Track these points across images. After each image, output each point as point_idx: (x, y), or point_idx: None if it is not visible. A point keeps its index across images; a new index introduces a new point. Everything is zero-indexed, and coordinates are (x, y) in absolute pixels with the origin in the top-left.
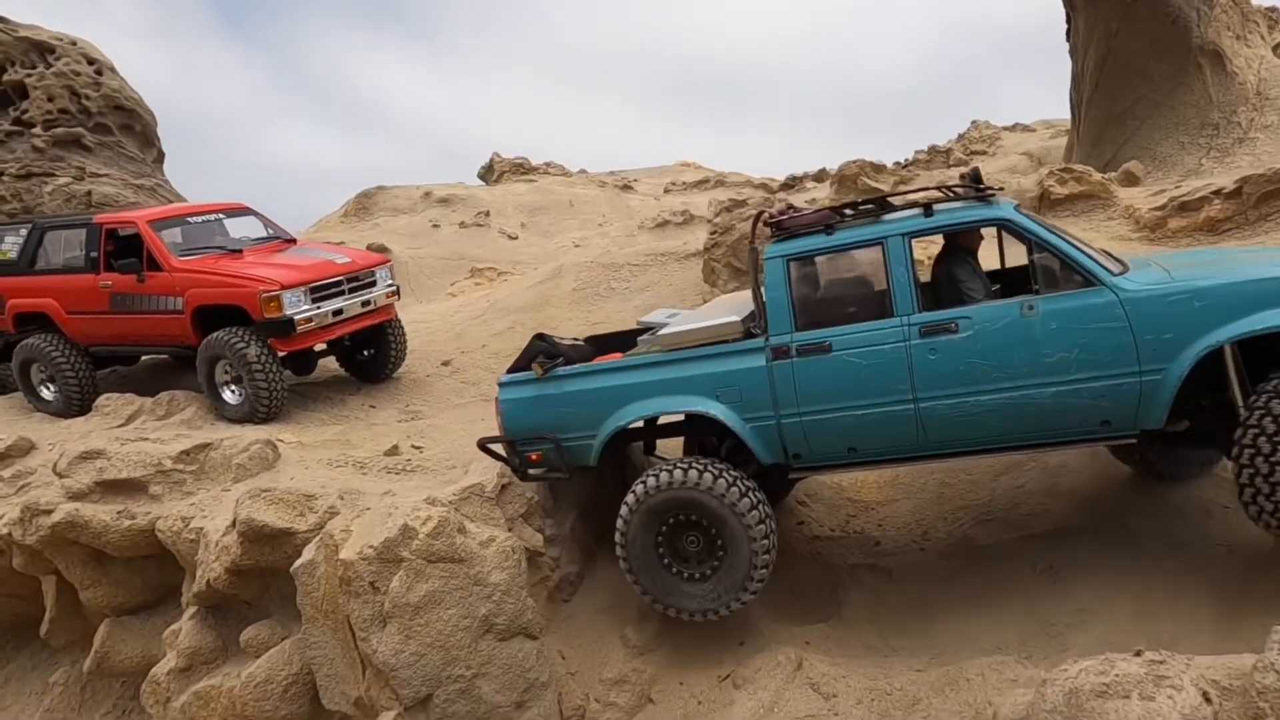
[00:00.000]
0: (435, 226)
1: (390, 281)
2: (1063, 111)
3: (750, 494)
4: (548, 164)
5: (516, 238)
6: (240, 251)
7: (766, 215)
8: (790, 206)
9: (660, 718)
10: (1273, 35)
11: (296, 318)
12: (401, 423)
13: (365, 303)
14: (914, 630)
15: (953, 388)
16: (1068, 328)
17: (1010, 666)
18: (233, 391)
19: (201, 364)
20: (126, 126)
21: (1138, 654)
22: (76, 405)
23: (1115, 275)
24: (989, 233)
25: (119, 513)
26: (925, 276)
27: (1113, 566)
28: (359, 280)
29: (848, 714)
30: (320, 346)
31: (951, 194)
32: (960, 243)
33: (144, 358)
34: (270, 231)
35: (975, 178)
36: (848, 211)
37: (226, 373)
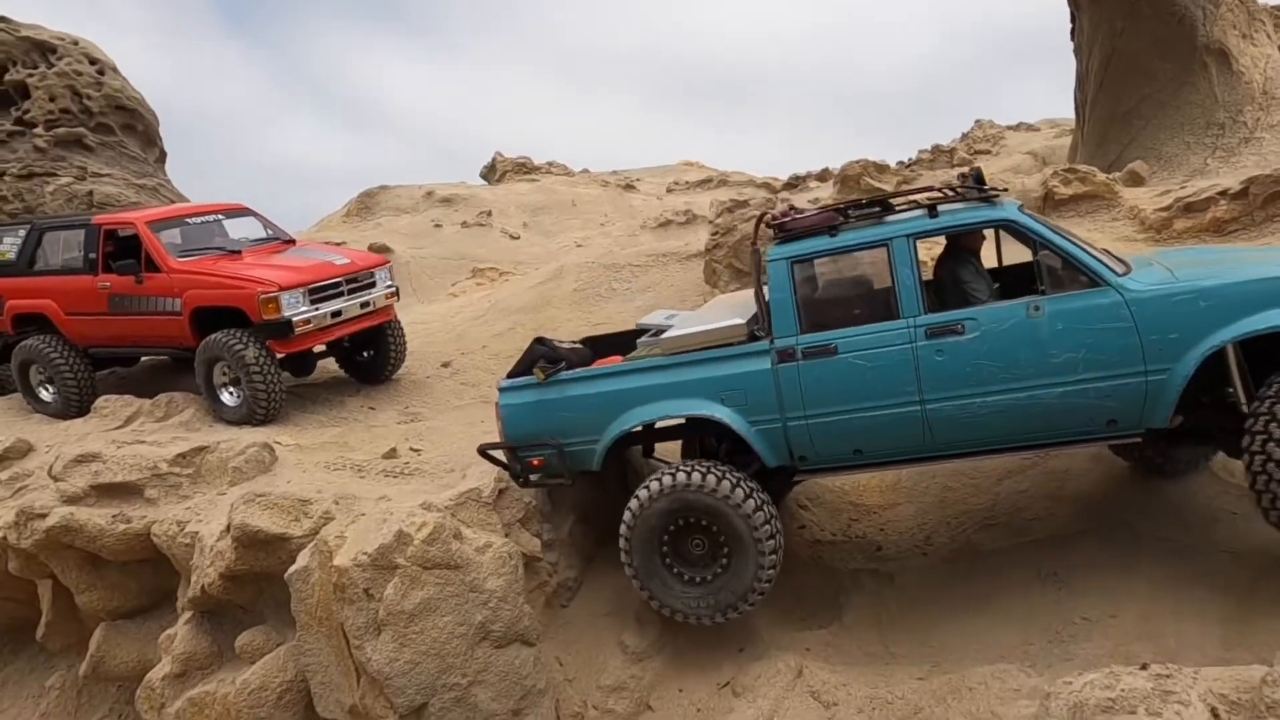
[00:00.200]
0: (437, 226)
1: (389, 283)
2: (1067, 111)
3: (756, 497)
4: (550, 163)
5: (519, 237)
6: (239, 252)
7: (769, 217)
8: (792, 207)
9: None
10: (1279, 34)
11: (295, 319)
12: (400, 425)
13: (364, 304)
14: (916, 637)
15: (959, 389)
16: (1074, 328)
17: (1014, 675)
18: (231, 393)
19: (199, 366)
20: (128, 126)
21: (1144, 667)
22: (75, 407)
23: (1120, 276)
24: (989, 231)
25: (114, 516)
26: (927, 275)
27: (1118, 572)
28: (358, 281)
29: None
30: (319, 348)
31: (955, 194)
32: (963, 243)
33: (143, 359)
34: (269, 232)
35: (978, 178)
36: (850, 212)
37: (225, 374)
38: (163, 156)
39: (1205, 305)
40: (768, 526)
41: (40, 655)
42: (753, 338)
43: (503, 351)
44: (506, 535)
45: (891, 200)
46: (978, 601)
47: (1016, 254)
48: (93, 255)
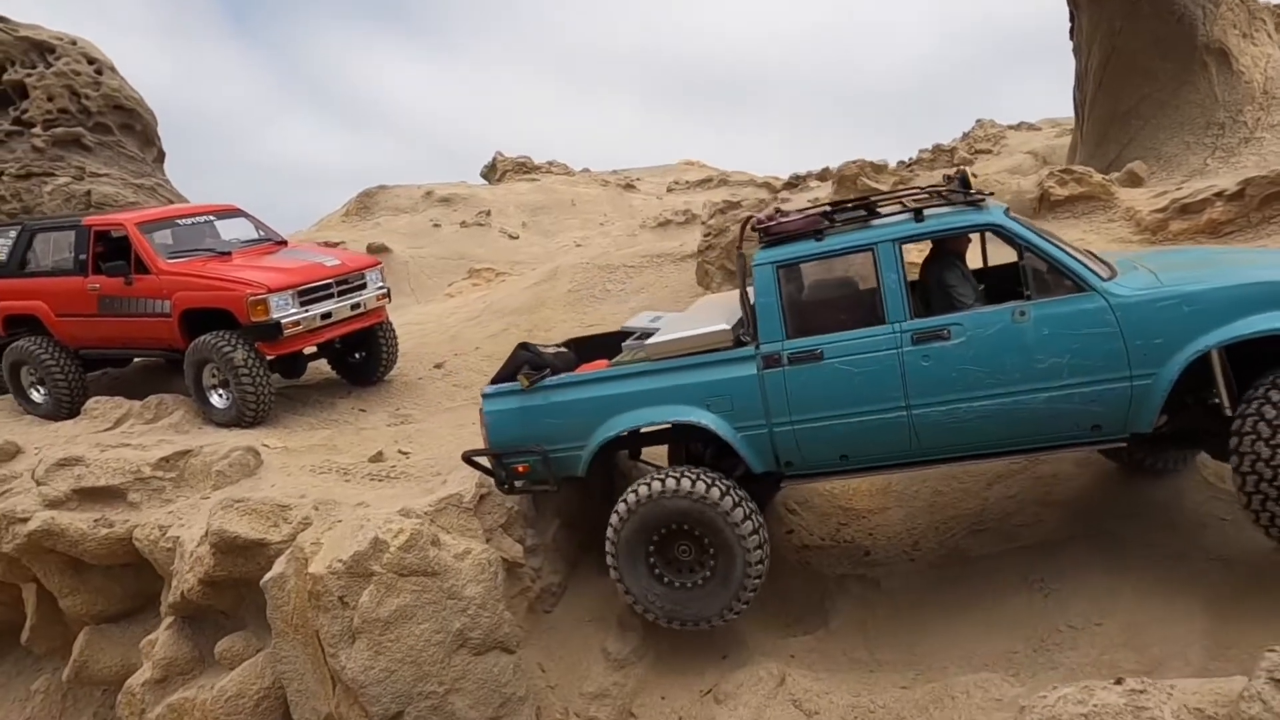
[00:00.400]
0: (436, 226)
1: (381, 284)
2: (1069, 110)
3: (744, 503)
4: (550, 163)
5: (517, 237)
6: (229, 254)
7: (754, 220)
8: (778, 210)
9: None
10: None
11: (284, 321)
12: (390, 427)
13: (355, 305)
14: (901, 643)
15: (945, 394)
16: (1059, 333)
17: (996, 685)
18: (220, 395)
19: (189, 367)
20: (126, 126)
21: (1118, 682)
22: (66, 408)
23: (1105, 280)
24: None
25: (96, 521)
26: (913, 275)
27: (1105, 579)
28: (348, 283)
29: None
30: (310, 349)
31: (940, 197)
32: (949, 246)
33: (136, 360)
34: (261, 233)
35: (964, 181)
36: (836, 216)
37: (214, 376)
38: (161, 156)
39: (1189, 310)
40: (755, 534)
41: (26, 659)
42: (738, 343)
43: (496, 353)
44: (488, 541)
45: (875, 201)
46: (964, 608)
47: (1003, 255)
48: (83, 256)
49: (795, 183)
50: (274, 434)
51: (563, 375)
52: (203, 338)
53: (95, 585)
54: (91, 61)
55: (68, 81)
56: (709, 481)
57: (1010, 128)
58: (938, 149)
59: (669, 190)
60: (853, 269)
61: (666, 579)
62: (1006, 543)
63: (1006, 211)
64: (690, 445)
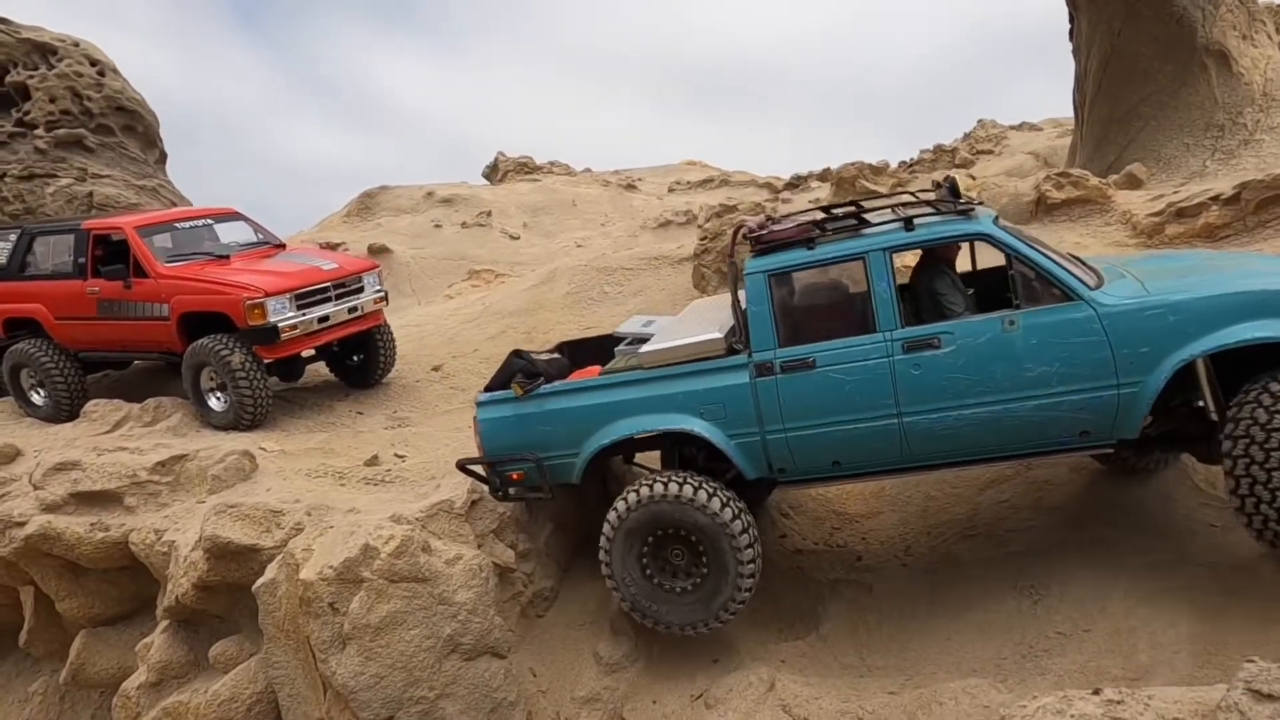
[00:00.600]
0: (437, 227)
1: (378, 287)
2: (1070, 110)
3: (734, 507)
4: (552, 163)
5: (518, 238)
6: (228, 257)
7: (745, 229)
8: (769, 218)
9: None
10: None
11: (281, 325)
12: (388, 430)
13: (352, 309)
14: (892, 649)
15: (936, 402)
16: (1048, 342)
17: (984, 691)
18: (218, 399)
19: (187, 371)
20: (128, 127)
21: (1096, 692)
22: (66, 410)
23: (1092, 289)
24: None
25: (92, 525)
26: (903, 278)
27: (1094, 586)
28: (346, 286)
29: None
30: (308, 352)
31: (929, 206)
32: (939, 254)
33: (135, 362)
34: (260, 237)
35: (952, 189)
36: (827, 225)
37: (211, 380)
38: (163, 158)
39: (1175, 320)
40: (746, 537)
41: (25, 661)
42: (731, 351)
43: (494, 355)
44: (480, 546)
45: (864, 205)
46: (954, 613)
47: (992, 258)
48: (82, 260)
49: (796, 183)
50: (271, 437)
51: (556, 383)
52: (200, 341)
53: (92, 589)
54: (94, 63)
55: (70, 83)
56: (698, 486)
57: (1012, 128)
58: (939, 149)
59: (670, 190)
60: (844, 278)
61: (660, 582)
62: (998, 548)
63: (995, 220)
64: (684, 449)
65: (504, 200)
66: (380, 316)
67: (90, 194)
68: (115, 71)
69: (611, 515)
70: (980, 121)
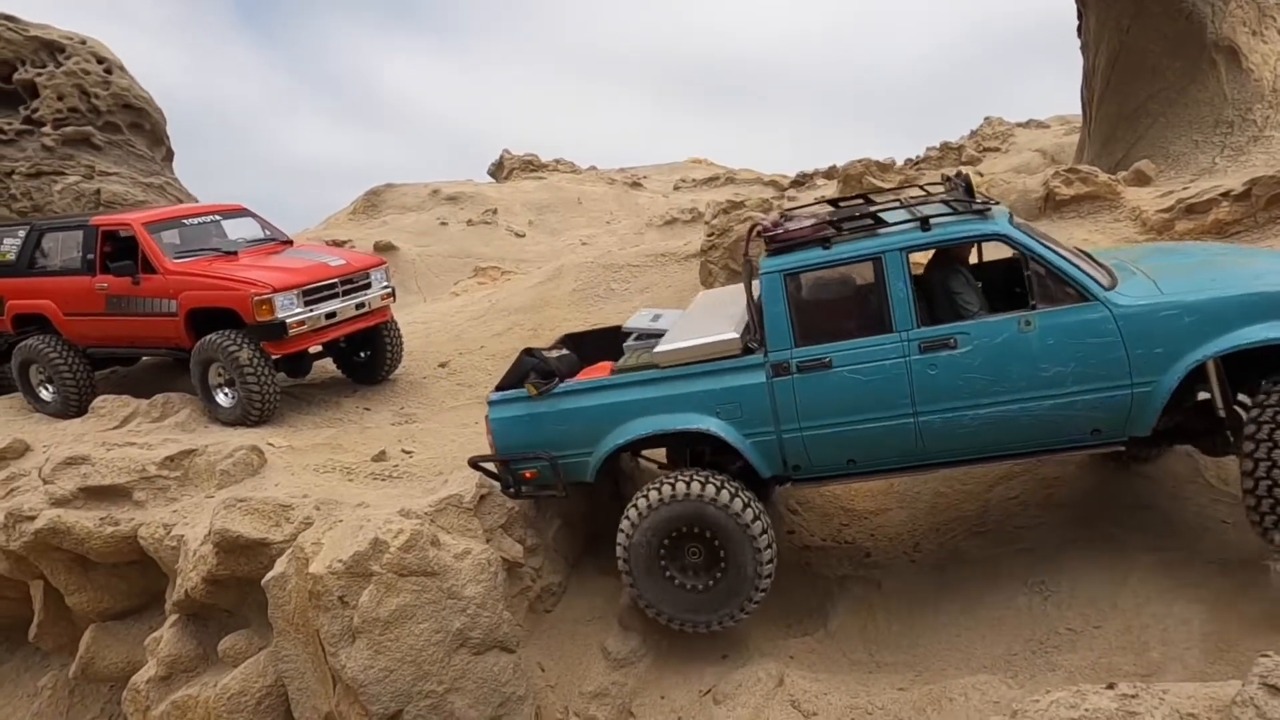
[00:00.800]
0: (443, 224)
1: (386, 283)
2: (1077, 107)
3: (755, 507)
4: (557, 161)
5: (524, 235)
6: (235, 253)
7: (760, 227)
8: (783, 215)
9: None
10: None
11: (289, 321)
12: (395, 426)
13: (359, 305)
14: (901, 645)
15: (951, 401)
16: (1063, 343)
17: (994, 687)
18: (226, 394)
19: (195, 367)
20: (135, 125)
21: (1110, 686)
22: (74, 406)
23: (1107, 290)
24: None
25: (102, 519)
26: (916, 270)
27: (1105, 582)
28: (353, 283)
29: None
30: (315, 348)
31: (945, 205)
32: (953, 252)
33: (143, 359)
34: (267, 233)
35: (967, 188)
36: (843, 226)
37: (219, 375)
38: (170, 155)
39: (1190, 321)
40: (765, 537)
41: (34, 655)
42: (746, 350)
43: (500, 352)
44: (488, 541)
45: (876, 205)
46: (964, 610)
47: (997, 250)
48: (91, 256)
49: (802, 181)
50: (279, 433)
51: (571, 383)
52: (208, 337)
53: (101, 583)
54: (101, 60)
55: (77, 81)
56: (722, 486)
57: (1019, 125)
58: (945, 147)
59: (675, 188)
60: (860, 277)
61: (678, 581)
62: (1007, 545)
63: (1011, 219)
64: (695, 447)
65: (509, 198)
66: (387, 313)
67: (98, 191)
68: (122, 69)
69: (631, 513)
70: (987, 119)
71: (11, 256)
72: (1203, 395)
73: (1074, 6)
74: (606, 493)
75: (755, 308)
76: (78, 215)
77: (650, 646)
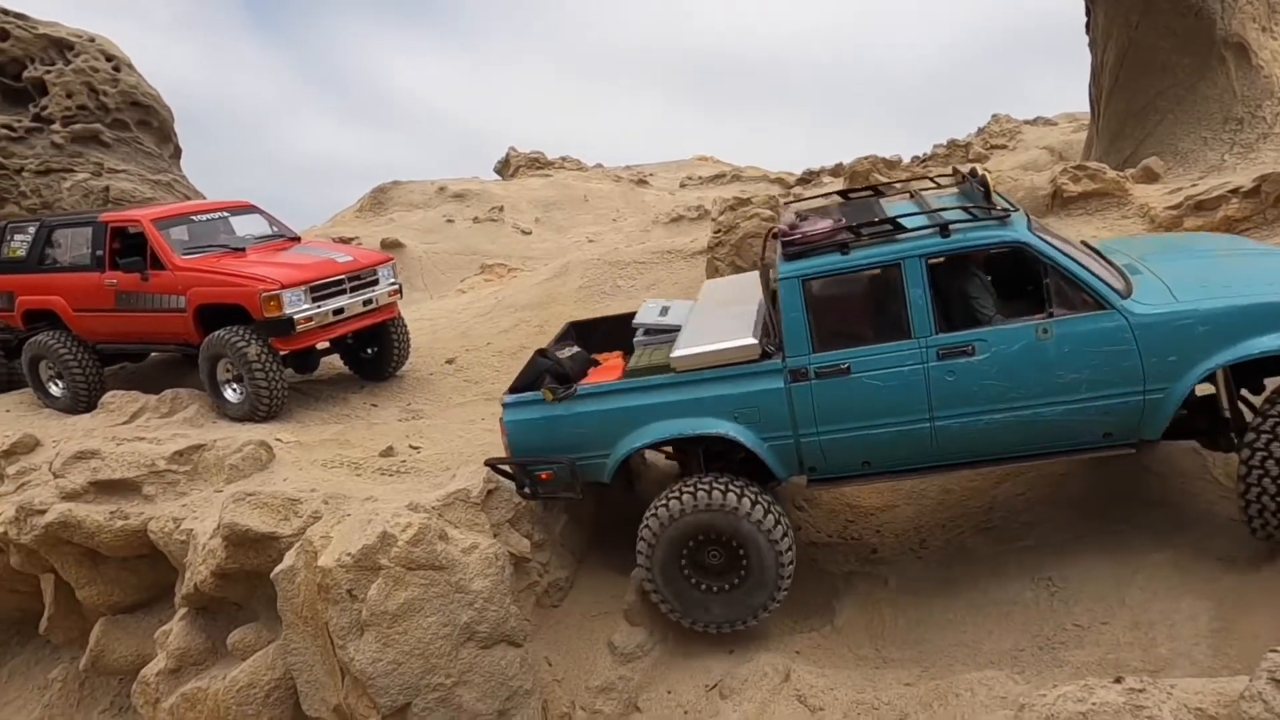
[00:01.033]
0: (449, 221)
1: (393, 280)
2: (1085, 104)
3: (775, 513)
4: (564, 158)
5: (530, 233)
6: (243, 250)
7: (777, 230)
8: (798, 216)
9: None
10: None
11: (296, 317)
12: (402, 422)
13: (367, 301)
14: (907, 641)
15: (968, 406)
16: (1080, 350)
17: (1001, 683)
18: (234, 390)
19: (203, 362)
20: (144, 122)
21: (1118, 681)
22: (83, 402)
23: (1124, 298)
24: None
25: (112, 513)
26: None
27: (1112, 578)
28: (360, 279)
29: None
30: (323, 345)
31: (965, 211)
32: (969, 256)
33: (152, 354)
34: (274, 229)
35: (986, 192)
36: (861, 231)
37: (228, 371)
38: (177, 152)
39: (1204, 330)
40: (786, 541)
41: (45, 648)
42: (765, 355)
43: (507, 349)
44: (495, 536)
45: (881, 190)
46: (971, 606)
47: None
48: (100, 252)
49: (808, 178)
50: (287, 428)
51: (587, 386)
52: (217, 333)
53: (111, 576)
54: (109, 58)
55: (86, 78)
56: (745, 494)
57: (1026, 122)
58: (953, 144)
59: (682, 186)
60: (878, 283)
61: (700, 583)
62: (1014, 541)
63: (1030, 226)
64: (708, 446)
65: (516, 195)
66: (394, 309)
67: (106, 189)
68: (130, 67)
69: (653, 522)
70: (994, 116)
71: (22, 253)
72: (1205, 391)
73: (1082, 3)
74: (620, 489)
75: (772, 313)
76: (87, 212)
77: (657, 641)
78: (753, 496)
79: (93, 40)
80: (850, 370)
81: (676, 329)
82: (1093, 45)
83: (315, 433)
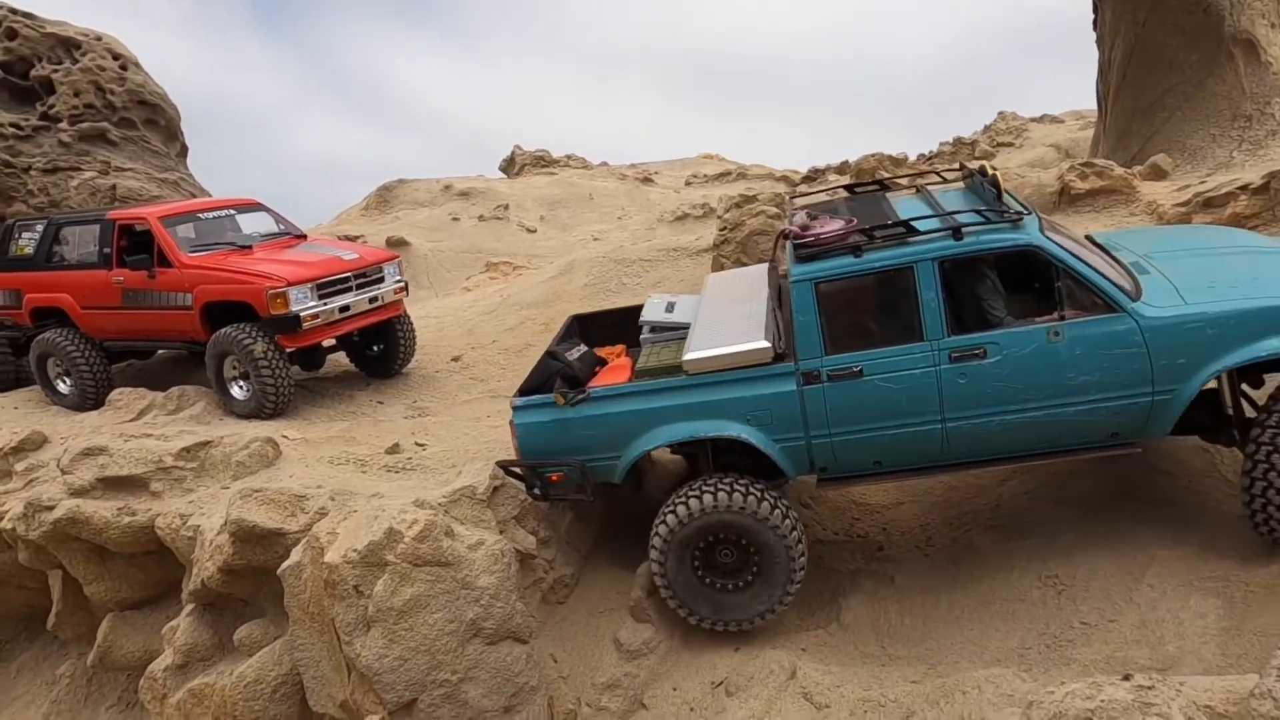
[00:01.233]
0: (455, 220)
1: (399, 278)
2: (1092, 101)
3: (784, 508)
4: (569, 156)
5: (535, 231)
6: (250, 247)
7: (789, 231)
8: (809, 216)
9: None
10: None
11: (303, 314)
12: (407, 419)
13: (373, 299)
14: (913, 638)
15: (979, 408)
16: (1091, 353)
17: (1008, 680)
18: (240, 387)
19: (210, 360)
20: (150, 121)
21: (1126, 678)
22: (91, 399)
23: (1134, 300)
24: None
25: (119, 509)
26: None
27: (1120, 576)
28: (366, 277)
29: None
30: (329, 342)
31: (977, 214)
32: (981, 258)
33: (159, 352)
34: (281, 227)
35: (997, 193)
36: (874, 234)
37: (234, 368)
38: (184, 151)
39: (1213, 333)
40: (796, 534)
41: (53, 644)
42: (778, 358)
43: (512, 346)
44: (501, 532)
45: (888, 184)
46: (977, 604)
47: None
48: (107, 250)
49: (814, 176)
50: (293, 425)
51: (599, 388)
52: (223, 330)
53: (119, 572)
54: (116, 57)
55: (93, 77)
56: (762, 497)
57: (1032, 120)
58: (959, 142)
59: (687, 184)
60: (891, 286)
61: (713, 582)
62: (1021, 539)
63: (1041, 228)
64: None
65: (521, 194)
66: (400, 307)
67: (113, 187)
68: (137, 65)
69: (671, 519)
70: (1000, 114)
71: (30, 251)
72: (1208, 385)
73: (1090, 0)
74: (628, 488)
75: (783, 315)
76: (94, 210)
77: (662, 638)
78: (772, 500)
79: (100, 39)
80: (863, 373)
81: (684, 326)
82: (1100, 42)
83: (321, 430)
